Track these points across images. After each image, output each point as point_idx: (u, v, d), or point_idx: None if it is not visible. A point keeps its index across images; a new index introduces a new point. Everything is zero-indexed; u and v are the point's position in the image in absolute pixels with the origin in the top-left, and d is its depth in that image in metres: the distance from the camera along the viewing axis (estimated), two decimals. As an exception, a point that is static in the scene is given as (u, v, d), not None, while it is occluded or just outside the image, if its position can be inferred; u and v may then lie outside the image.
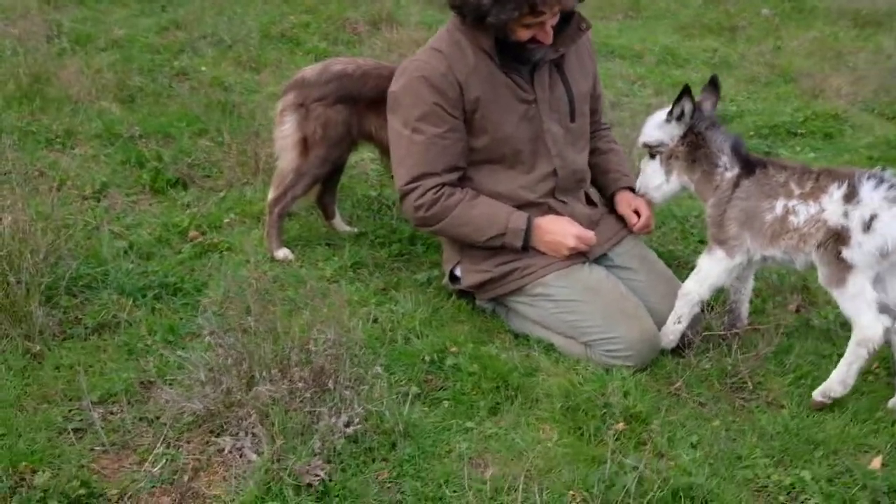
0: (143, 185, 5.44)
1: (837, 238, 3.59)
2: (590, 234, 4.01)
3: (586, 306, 3.93)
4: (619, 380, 3.72)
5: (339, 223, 5.07)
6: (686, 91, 3.89)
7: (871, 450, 3.46)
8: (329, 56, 7.91)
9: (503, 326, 4.21)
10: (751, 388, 3.84)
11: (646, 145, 4.11)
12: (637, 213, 4.28)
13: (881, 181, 3.57)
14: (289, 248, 4.77)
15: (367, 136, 4.73)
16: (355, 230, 5.04)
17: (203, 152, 5.82)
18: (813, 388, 3.76)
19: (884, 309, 3.59)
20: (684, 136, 3.98)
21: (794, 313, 4.48)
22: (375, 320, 4.13)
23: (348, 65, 4.68)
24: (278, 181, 4.77)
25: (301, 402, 3.19)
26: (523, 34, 3.81)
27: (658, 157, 4.09)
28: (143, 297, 4.17)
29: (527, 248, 4.00)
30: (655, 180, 4.14)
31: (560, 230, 3.99)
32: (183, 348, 3.73)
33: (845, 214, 3.58)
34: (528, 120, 4.00)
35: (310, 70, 4.73)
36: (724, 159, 3.94)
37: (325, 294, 3.87)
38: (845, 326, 3.92)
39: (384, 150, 4.72)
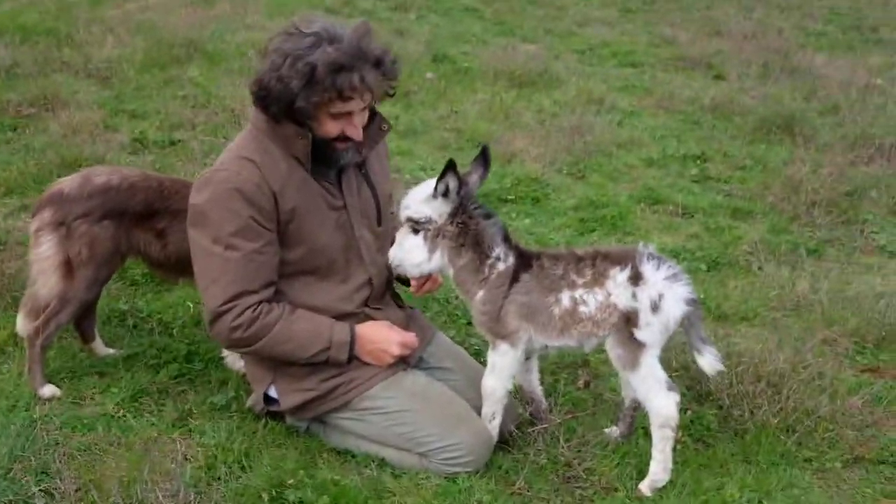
0: None
1: (628, 320, 3.71)
2: (412, 338, 3.91)
3: (418, 415, 3.82)
4: (466, 488, 3.67)
5: (99, 346, 4.59)
6: (451, 166, 3.63)
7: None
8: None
9: (324, 445, 4.00)
10: (583, 476, 3.91)
11: (410, 220, 3.81)
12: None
13: (659, 261, 3.74)
14: (53, 382, 4.24)
15: (135, 252, 4.33)
16: (119, 352, 4.57)
17: None
18: (638, 464, 3.92)
19: (671, 387, 3.78)
20: (453, 215, 3.77)
21: (584, 388, 4.63)
22: (186, 457, 3.77)
23: (112, 176, 4.25)
24: (36, 309, 4.24)
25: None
26: (332, 128, 3.61)
27: (423, 233, 3.81)
28: None
29: (351, 360, 3.82)
30: (416, 257, 3.84)
31: (383, 338, 3.85)
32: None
33: (634, 296, 3.69)
34: (340, 228, 3.84)
35: (68, 183, 4.23)
36: (498, 250, 3.81)
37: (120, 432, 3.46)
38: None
39: (153, 265, 4.40)
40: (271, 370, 3.90)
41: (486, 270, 3.82)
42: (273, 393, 3.94)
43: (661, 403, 3.73)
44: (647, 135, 9.00)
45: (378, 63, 3.56)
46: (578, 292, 3.74)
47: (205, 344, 4.64)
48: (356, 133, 3.67)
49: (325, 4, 14.15)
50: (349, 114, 3.61)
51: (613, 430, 4.19)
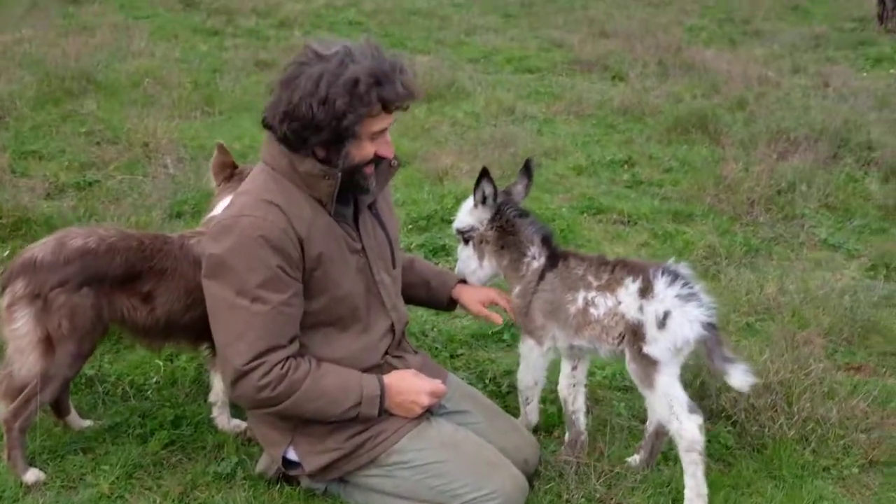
0: None
1: (635, 333, 3.67)
2: (441, 387, 3.69)
3: (450, 465, 3.60)
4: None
5: (75, 419, 4.21)
6: (484, 174, 3.88)
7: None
8: None
9: (347, 507, 3.76)
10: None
11: (458, 231, 4.10)
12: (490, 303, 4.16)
13: (675, 277, 3.67)
14: (36, 465, 3.87)
15: (118, 320, 3.93)
16: (97, 423, 4.22)
17: None
18: (672, 493, 3.82)
19: (693, 409, 3.70)
20: (493, 220, 3.99)
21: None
22: (203, 538, 3.49)
23: (89, 238, 3.84)
24: (11, 390, 3.84)
25: None
26: (368, 149, 3.39)
27: (471, 242, 4.06)
28: None
29: (381, 414, 3.58)
30: (470, 265, 4.11)
31: (411, 388, 3.61)
32: None
33: (640, 309, 3.66)
34: (360, 272, 3.60)
35: (40, 249, 3.81)
36: (534, 249, 3.96)
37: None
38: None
39: (138, 331, 4.01)
40: (289, 431, 3.62)
41: (524, 268, 3.98)
42: (292, 455, 3.66)
43: (683, 426, 3.64)
44: (569, 142, 8.98)
45: (402, 79, 3.36)
46: (591, 294, 3.79)
47: (189, 406, 4.33)
48: (390, 150, 3.49)
49: (206, 27, 13.76)
50: (382, 132, 3.42)
51: (635, 459, 4.09)
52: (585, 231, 6.81)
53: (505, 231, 3.99)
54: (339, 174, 3.38)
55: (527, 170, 4.11)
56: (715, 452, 4.17)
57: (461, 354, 5.04)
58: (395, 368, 3.70)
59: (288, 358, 3.38)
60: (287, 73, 3.35)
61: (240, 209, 3.36)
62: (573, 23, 15.33)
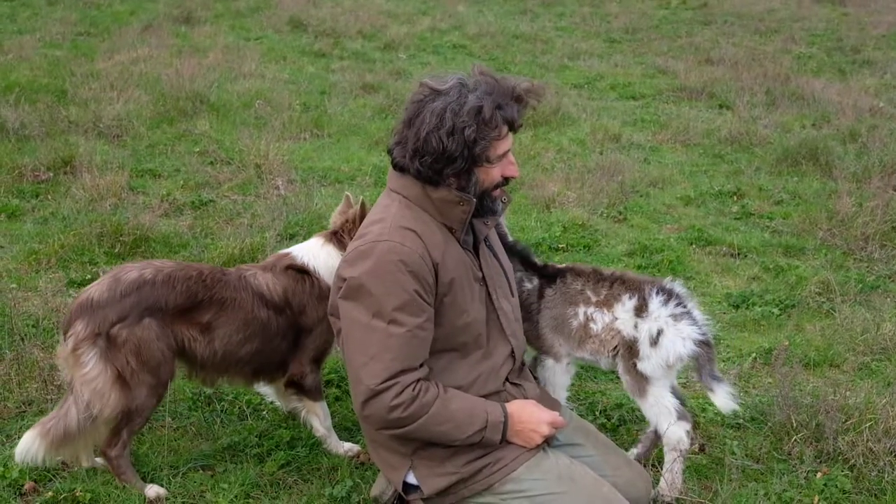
0: None
1: (630, 349, 3.84)
2: (560, 419, 3.69)
3: (566, 498, 3.58)
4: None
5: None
6: None
7: None
8: (23, 214, 6.93)
9: (461, 534, 3.76)
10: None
11: None
12: None
13: (670, 296, 3.83)
14: (156, 482, 3.97)
15: (179, 351, 3.96)
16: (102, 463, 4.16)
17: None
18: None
19: (682, 416, 3.88)
20: None
21: (700, 453, 4.44)
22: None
23: (144, 270, 3.90)
24: (63, 435, 3.85)
25: None
26: (496, 172, 3.49)
27: None
28: None
29: (502, 441, 3.59)
30: None
31: (532, 418, 3.62)
32: None
33: (635, 326, 3.83)
34: (481, 301, 3.65)
35: (96, 288, 3.84)
36: (519, 275, 4.01)
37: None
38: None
39: (195, 364, 4.06)
40: (408, 455, 3.65)
41: (522, 295, 4.01)
42: (411, 479, 3.69)
43: (672, 430, 3.88)
44: (676, 171, 8.90)
45: (518, 97, 3.47)
46: (591, 309, 3.93)
47: (305, 429, 4.39)
48: (516, 170, 3.58)
49: (313, 49, 13.99)
50: (506, 153, 3.51)
51: (632, 452, 4.24)
52: (694, 263, 6.74)
53: None
54: (475, 199, 3.45)
55: None
56: (831, 496, 4.10)
57: (571, 386, 5.00)
58: (514, 396, 3.73)
59: (419, 380, 3.43)
60: (409, 113, 3.45)
61: (377, 234, 3.43)
62: (678, 49, 15.17)
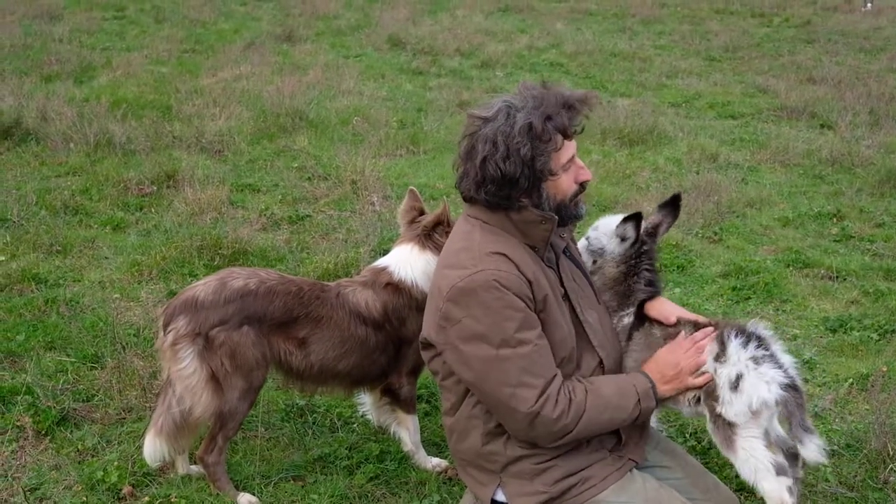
0: (21, 429, 4.45)
1: (710, 394, 3.58)
2: (698, 333, 3.68)
3: (652, 522, 3.57)
4: None
5: (184, 462, 4.30)
6: (634, 217, 3.77)
7: None
8: (127, 226, 7.15)
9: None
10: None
11: (587, 241, 3.93)
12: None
13: (749, 339, 3.57)
14: (249, 490, 4.06)
15: (275, 362, 4.08)
16: (198, 470, 4.27)
17: (69, 374, 4.91)
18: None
19: (781, 470, 3.54)
20: (622, 260, 3.84)
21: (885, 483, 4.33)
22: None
23: (250, 279, 4.01)
24: (178, 429, 4.03)
25: None
26: (568, 180, 3.48)
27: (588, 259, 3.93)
28: None
29: (658, 404, 3.65)
30: None
31: (668, 363, 3.64)
32: None
33: (715, 372, 3.56)
34: (567, 316, 3.63)
35: (202, 288, 3.98)
36: (631, 309, 3.85)
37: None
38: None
39: (292, 375, 4.17)
40: (497, 472, 3.66)
41: (616, 320, 3.86)
42: (500, 496, 3.70)
43: (771, 490, 3.52)
44: (774, 192, 8.76)
45: (568, 105, 3.44)
46: None
47: (395, 443, 4.45)
48: (587, 173, 3.56)
49: (411, 67, 14.15)
50: (572, 159, 3.48)
51: None
52: (791, 286, 6.62)
53: (626, 279, 3.85)
54: (556, 217, 3.46)
55: (674, 206, 3.98)
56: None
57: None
58: None
59: (562, 383, 3.45)
60: (464, 147, 3.47)
61: (470, 265, 3.42)
62: (779, 68, 14.93)
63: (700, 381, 3.60)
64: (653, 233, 3.91)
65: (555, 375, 3.43)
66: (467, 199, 3.55)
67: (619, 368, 3.81)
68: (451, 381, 3.61)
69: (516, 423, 3.43)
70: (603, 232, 3.90)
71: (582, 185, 3.56)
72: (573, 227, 3.91)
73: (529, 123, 3.34)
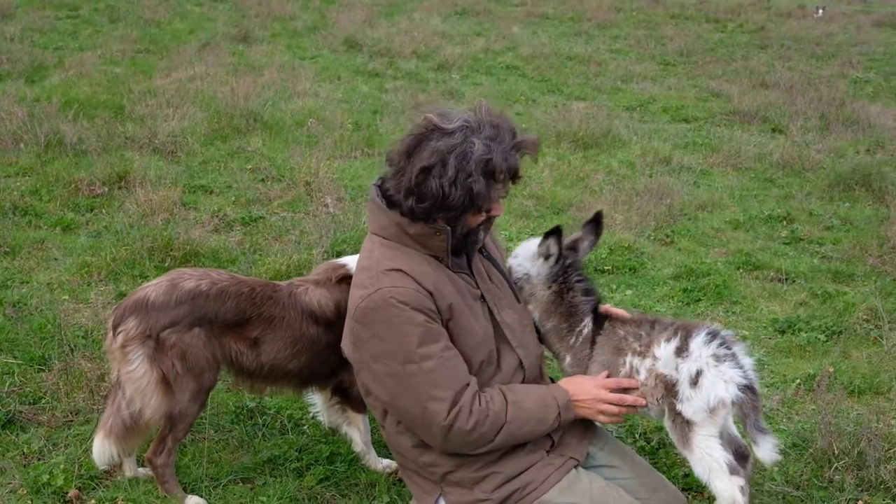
0: (-36, 435, 4.41)
1: (670, 390, 3.57)
2: (610, 380, 3.67)
3: (598, 524, 3.58)
4: None
5: (132, 465, 4.26)
6: (554, 232, 3.69)
7: None
8: (78, 228, 7.07)
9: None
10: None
11: (510, 270, 3.86)
12: None
13: (713, 337, 3.58)
14: (196, 493, 4.04)
15: (226, 362, 4.05)
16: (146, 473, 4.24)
17: (15, 376, 4.85)
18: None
19: (734, 470, 3.56)
20: (552, 280, 3.79)
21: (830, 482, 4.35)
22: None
23: (201, 280, 3.97)
24: (125, 430, 3.99)
25: None
26: (483, 215, 3.48)
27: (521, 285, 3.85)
28: None
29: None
30: None
31: (583, 390, 3.62)
32: None
33: (676, 368, 3.56)
34: (486, 318, 3.63)
35: (153, 289, 3.93)
36: (586, 320, 3.80)
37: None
38: None
39: (243, 375, 4.14)
40: (438, 481, 3.65)
41: (574, 338, 3.80)
42: (443, 504, 3.71)
43: (723, 488, 3.53)
44: (726, 195, 8.86)
45: (519, 146, 3.45)
46: (634, 359, 3.67)
47: (345, 444, 4.44)
48: (501, 209, 3.56)
49: (368, 69, 14.13)
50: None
51: None
52: (741, 287, 6.70)
53: (561, 297, 3.80)
54: (449, 229, 3.44)
55: (595, 223, 3.89)
56: (873, 526, 4.04)
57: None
58: None
59: (475, 393, 3.44)
60: (408, 144, 3.38)
61: (370, 287, 3.41)
62: (732, 73, 15.11)
63: (604, 419, 3.65)
64: (573, 248, 3.84)
65: (466, 385, 3.42)
66: (389, 201, 3.47)
67: (538, 367, 3.83)
68: (371, 399, 3.62)
69: (433, 437, 3.44)
70: (524, 257, 3.86)
71: (490, 218, 3.55)
72: (491, 227, 3.80)
73: (488, 160, 3.31)
